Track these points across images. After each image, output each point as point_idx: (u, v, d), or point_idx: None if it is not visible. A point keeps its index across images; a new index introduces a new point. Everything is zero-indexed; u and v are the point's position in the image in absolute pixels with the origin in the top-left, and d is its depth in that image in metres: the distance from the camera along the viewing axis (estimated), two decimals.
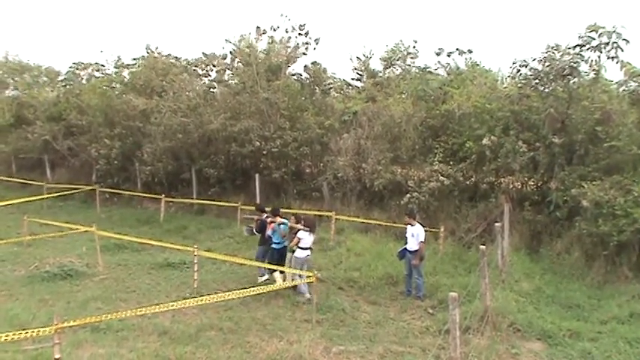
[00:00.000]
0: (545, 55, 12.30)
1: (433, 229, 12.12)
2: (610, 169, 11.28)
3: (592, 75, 12.02)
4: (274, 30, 17.46)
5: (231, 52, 18.58)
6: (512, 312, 8.42)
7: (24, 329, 5.78)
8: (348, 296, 9.82)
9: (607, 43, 11.35)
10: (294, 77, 18.41)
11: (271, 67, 17.56)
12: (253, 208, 12.16)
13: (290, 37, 17.44)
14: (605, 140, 11.46)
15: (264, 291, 8.20)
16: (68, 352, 6.57)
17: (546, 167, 12.28)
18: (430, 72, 16.33)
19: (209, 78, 19.73)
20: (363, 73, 18.81)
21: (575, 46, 11.82)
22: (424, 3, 48.51)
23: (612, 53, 11.39)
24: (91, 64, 23.24)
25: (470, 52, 16.03)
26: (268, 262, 9.83)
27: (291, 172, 16.73)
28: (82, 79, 23.60)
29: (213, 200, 16.81)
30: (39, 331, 5.47)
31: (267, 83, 17.15)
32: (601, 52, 11.54)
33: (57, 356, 5.49)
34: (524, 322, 8.17)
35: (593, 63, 11.74)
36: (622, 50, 11.29)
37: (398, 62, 17.99)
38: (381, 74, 18.29)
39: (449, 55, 16.07)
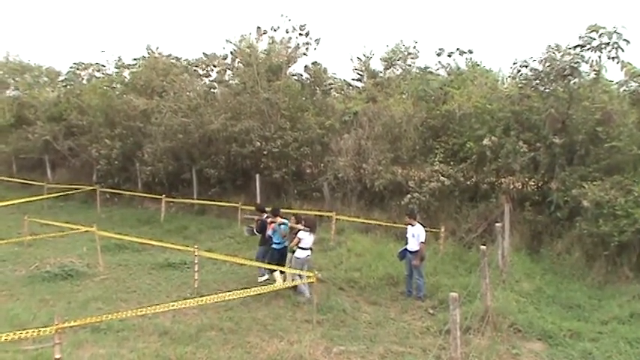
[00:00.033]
0: (546, 55, 12.30)
1: (434, 230, 12.13)
2: (611, 169, 11.29)
3: (592, 75, 12.03)
4: (275, 30, 17.52)
5: (231, 53, 18.59)
6: (513, 312, 8.41)
7: (24, 329, 5.76)
8: (349, 296, 9.81)
9: (607, 44, 11.37)
10: (295, 77, 18.40)
11: (272, 68, 17.57)
12: (254, 208, 12.13)
13: (290, 38, 17.48)
14: (606, 140, 11.47)
15: (265, 291, 8.19)
16: (69, 352, 6.56)
17: (547, 167, 12.27)
18: (431, 72, 16.33)
19: (210, 78, 19.76)
20: (363, 74, 18.77)
21: (575, 47, 11.83)
22: (424, 3, 48.56)
23: (613, 53, 11.41)
24: (91, 65, 23.29)
25: (470, 52, 16.05)
26: (268, 263, 9.81)
27: (292, 173, 16.72)
28: (83, 79, 23.64)
29: (214, 200, 16.81)
30: (39, 331, 5.47)
31: (267, 83, 17.15)
32: (601, 53, 11.56)
33: (57, 356, 5.49)
34: (525, 323, 8.17)
35: (594, 63, 11.76)
36: (622, 50, 11.33)
37: (398, 62, 17.96)
38: (381, 74, 18.26)
39: (449, 56, 16.08)
